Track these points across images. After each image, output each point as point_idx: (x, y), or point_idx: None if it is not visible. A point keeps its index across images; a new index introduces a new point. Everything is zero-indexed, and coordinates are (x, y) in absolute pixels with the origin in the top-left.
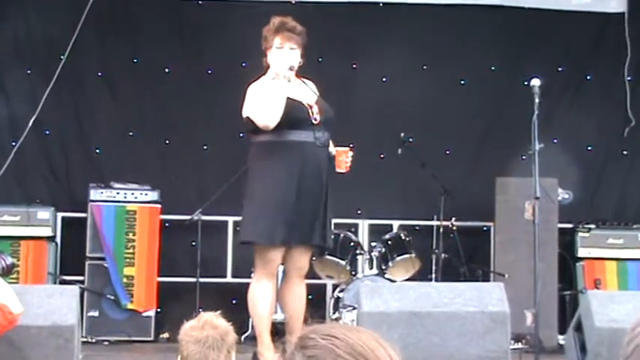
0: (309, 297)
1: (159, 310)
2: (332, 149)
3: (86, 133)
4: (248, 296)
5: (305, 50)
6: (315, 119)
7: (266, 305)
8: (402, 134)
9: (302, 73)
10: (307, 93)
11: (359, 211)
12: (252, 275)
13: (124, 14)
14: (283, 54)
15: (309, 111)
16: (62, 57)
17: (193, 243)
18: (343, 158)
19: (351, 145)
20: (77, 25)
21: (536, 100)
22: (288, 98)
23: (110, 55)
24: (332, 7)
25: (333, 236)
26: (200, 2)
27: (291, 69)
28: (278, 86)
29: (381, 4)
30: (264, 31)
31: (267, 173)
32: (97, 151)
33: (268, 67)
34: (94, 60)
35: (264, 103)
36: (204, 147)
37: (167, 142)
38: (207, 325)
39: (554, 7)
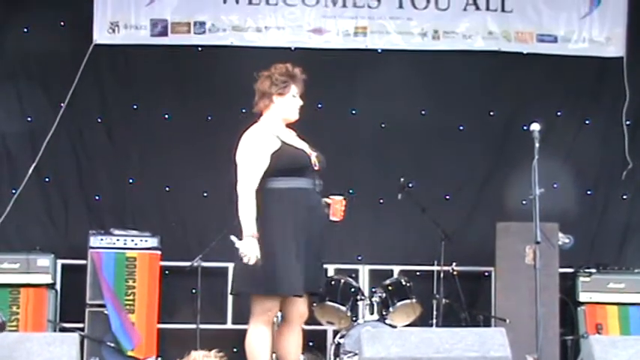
0: (310, 343)
1: (159, 357)
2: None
3: (86, 180)
4: (246, 344)
5: (302, 97)
6: (316, 165)
7: (265, 352)
8: (402, 179)
9: (302, 118)
10: (301, 141)
11: (359, 257)
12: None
13: (123, 61)
14: (298, 104)
15: (310, 158)
16: (62, 104)
17: (194, 290)
18: (339, 207)
19: (350, 191)
20: (77, 71)
21: (536, 145)
22: (292, 146)
23: (110, 102)
24: (331, 54)
25: (333, 282)
26: (199, 49)
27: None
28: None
29: (379, 51)
30: (274, 74)
31: (273, 221)
32: (97, 197)
33: (263, 110)
34: (93, 106)
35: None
36: (204, 193)
37: (167, 188)
38: None
39: (553, 52)
